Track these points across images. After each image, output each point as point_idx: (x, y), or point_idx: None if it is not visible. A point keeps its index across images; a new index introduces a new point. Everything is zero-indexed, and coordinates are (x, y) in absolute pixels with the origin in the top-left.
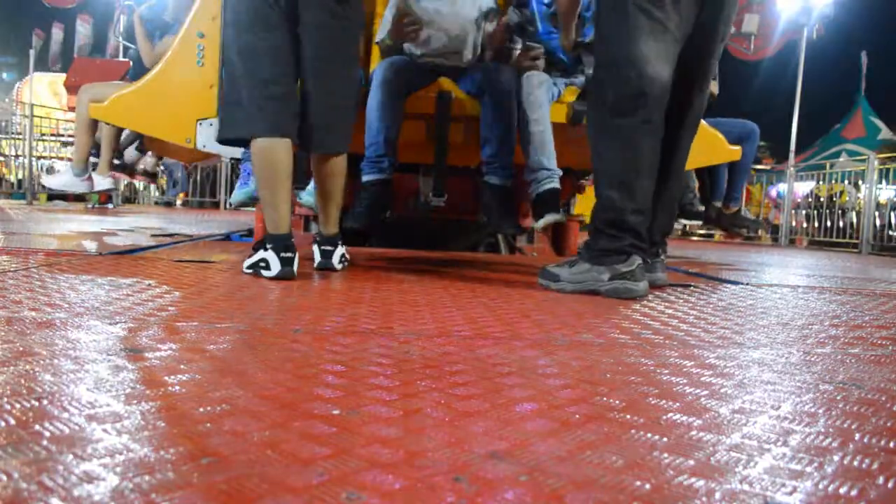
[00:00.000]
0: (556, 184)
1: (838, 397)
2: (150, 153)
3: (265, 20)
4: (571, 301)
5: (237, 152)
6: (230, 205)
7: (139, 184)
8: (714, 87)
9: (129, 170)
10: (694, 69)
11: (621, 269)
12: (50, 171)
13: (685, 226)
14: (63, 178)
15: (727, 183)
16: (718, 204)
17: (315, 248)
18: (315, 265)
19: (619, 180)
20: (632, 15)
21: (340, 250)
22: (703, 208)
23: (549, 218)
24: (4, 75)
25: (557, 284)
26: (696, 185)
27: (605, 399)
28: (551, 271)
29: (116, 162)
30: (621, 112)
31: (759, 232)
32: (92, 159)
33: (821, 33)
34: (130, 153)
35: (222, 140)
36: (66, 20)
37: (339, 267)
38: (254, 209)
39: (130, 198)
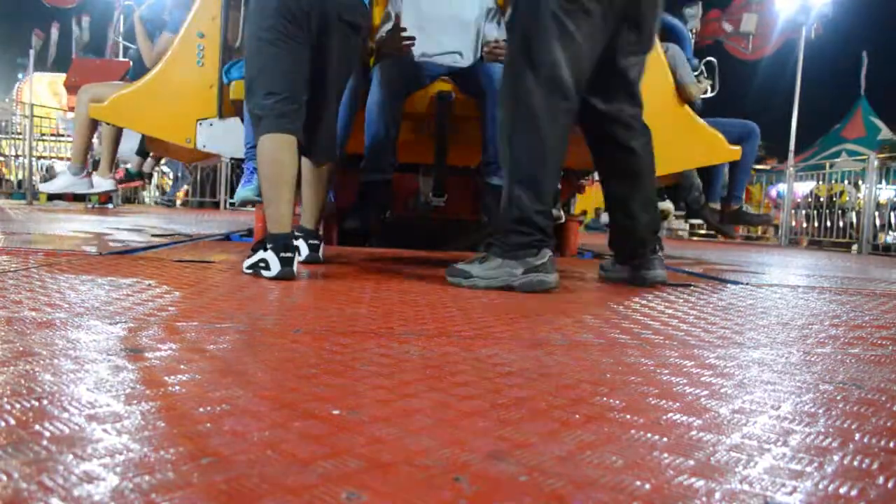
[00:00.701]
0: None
1: (838, 397)
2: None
3: (287, 40)
4: (571, 302)
5: (238, 152)
6: (231, 204)
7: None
8: (706, 84)
9: (139, 177)
10: (617, 73)
11: (534, 262)
12: (50, 170)
13: (691, 226)
14: (60, 181)
15: (729, 182)
16: (715, 205)
17: (301, 242)
18: (302, 258)
19: (531, 184)
20: (543, 22)
21: (322, 244)
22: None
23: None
24: (20, 76)
25: (469, 281)
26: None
27: (605, 399)
28: (460, 268)
29: (124, 166)
30: (536, 116)
31: (761, 229)
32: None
33: (819, 32)
34: (128, 155)
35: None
36: (66, 20)
37: (322, 259)
38: (254, 209)
39: (130, 198)
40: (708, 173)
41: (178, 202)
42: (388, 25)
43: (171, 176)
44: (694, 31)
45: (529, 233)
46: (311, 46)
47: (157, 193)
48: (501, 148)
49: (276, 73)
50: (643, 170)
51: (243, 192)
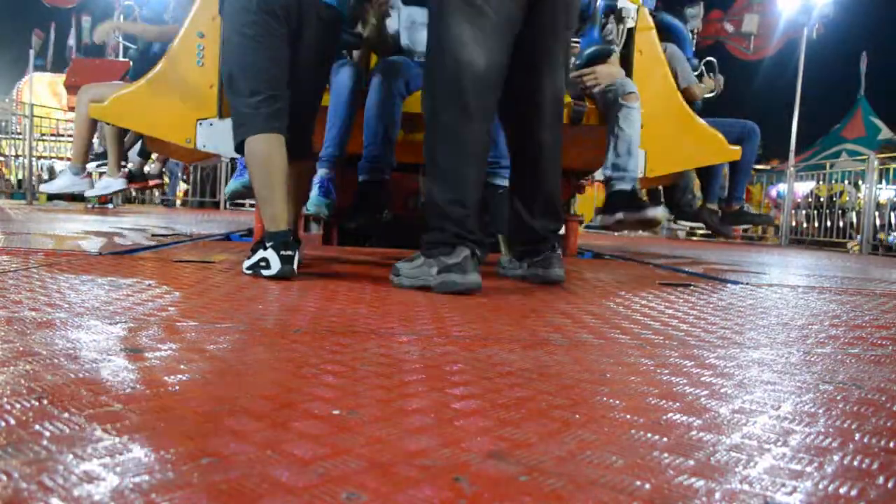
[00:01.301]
0: None
1: (838, 397)
2: (152, 158)
3: (270, 37)
4: (571, 302)
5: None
6: (233, 204)
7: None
8: (711, 82)
9: (142, 178)
10: (536, 55)
11: (447, 261)
12: (51, 170)
13: (686, 228)
14: (61, 180)
15: (729, 183)
16: (713, 206)
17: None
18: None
19: (442, 172)
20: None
21: (302, 245)
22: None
23: None
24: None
25: (397, 279)
26: (696, 184)
27: (604, 399)
28: (396, 265)
29: (128, 167)
30: (442, 99)
31: (761, 229)
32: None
33: (820, 32)
34: (133, 158)
35: (238, 146)
36: (65, 20)
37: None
38: (253, 209)
39: (130, 198)
40: (707, 174)
41: (178, 202)
42: (389, 22)
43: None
44: (696, 31)
45: (443, 229)
46: (289, 43)
47: (156, 193)
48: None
49: (261, 71)
50: (550, 166)
51: (234, 183)
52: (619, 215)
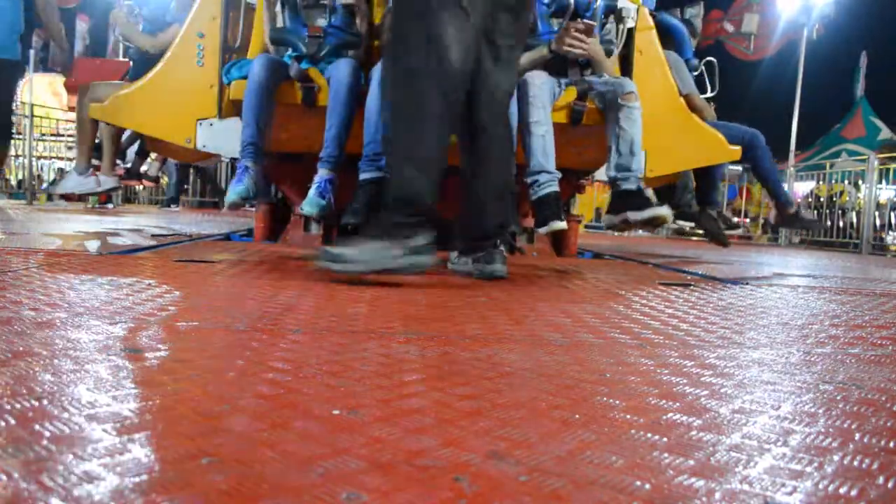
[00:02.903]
0: (556, 187)
1: (838, 397)
2: (151, 157)
3: None
4: (571, 301)
5: (237, 152)
6: (226, 204)
7: (139, 187)
8: (713, 113)
9: (136, 176)
10: (489, 46)
11: (411, 243)
12: (60, 172)
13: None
14: (69, 181)
15: (769, 189)
16: (713, 212)
17: None
18: None
19: (411, 152)
20: (435, 2)
21: None
22: (697, 210)
23: (554, 226)
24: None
25: (343, 266)
26: (694, 185)
27: (605, 399)
28: (332, 252)
29: (123, 165)
30: (415, 85)
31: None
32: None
33: (820, 33)
34: (131, 156)
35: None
36: (66, 20)
37: None
38: (252, 209)
39: (130, 198)
40: (704, 178)
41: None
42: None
43: (172, 177)
44: (697, 32)
45: (408, 211)
46: None
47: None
48: (383, 125)
49: None
50: (494, 157)
51: (233, 194)
52: (627, 215)
